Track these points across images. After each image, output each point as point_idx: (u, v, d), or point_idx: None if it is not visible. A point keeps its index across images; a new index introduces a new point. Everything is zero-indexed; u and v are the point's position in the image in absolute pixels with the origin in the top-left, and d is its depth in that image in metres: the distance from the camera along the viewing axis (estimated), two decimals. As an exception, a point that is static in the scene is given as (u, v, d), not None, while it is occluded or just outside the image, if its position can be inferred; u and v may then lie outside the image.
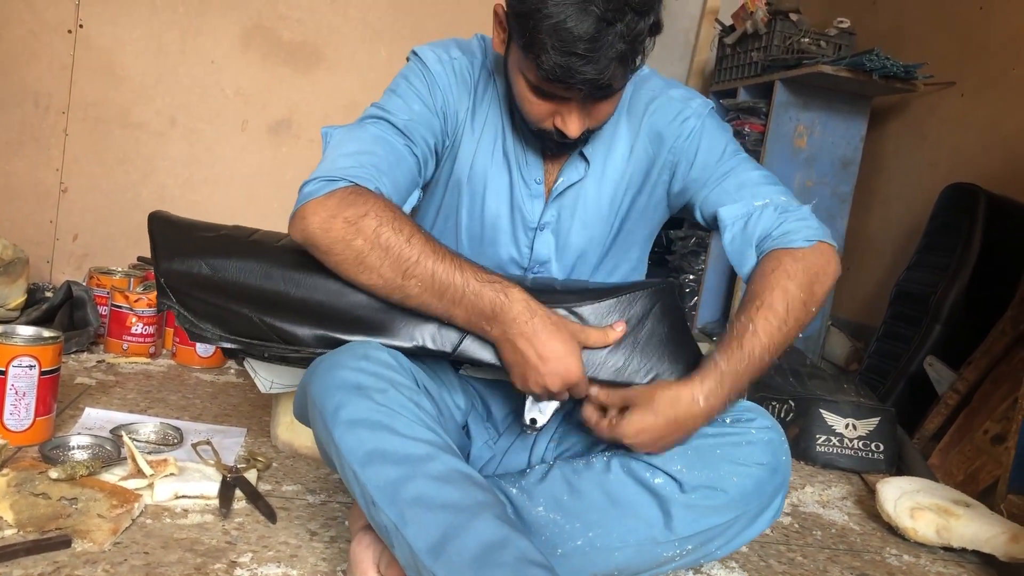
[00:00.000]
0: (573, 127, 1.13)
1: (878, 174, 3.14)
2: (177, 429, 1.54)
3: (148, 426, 1.54)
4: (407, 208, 1.20)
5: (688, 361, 1.15)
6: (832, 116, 3.02)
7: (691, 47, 3.73)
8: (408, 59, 1.29)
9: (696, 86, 3.71)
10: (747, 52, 3.24)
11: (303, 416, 1.19)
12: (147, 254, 2.43)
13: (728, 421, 1.14)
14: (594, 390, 1.12)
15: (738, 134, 3.12)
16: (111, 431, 1.48)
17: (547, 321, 1.07)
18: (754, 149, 3.04)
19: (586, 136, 1.18)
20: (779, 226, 1.20)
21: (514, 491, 1.14)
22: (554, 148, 1.22)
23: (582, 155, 1.26)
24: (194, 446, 1.46)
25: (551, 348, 1.06)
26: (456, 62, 1.27)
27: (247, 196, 2.55)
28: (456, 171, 1.29)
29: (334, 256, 1.08)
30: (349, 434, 1.00)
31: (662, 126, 1.27)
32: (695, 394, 1.07)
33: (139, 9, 2.45)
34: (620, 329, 1.13)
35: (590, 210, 1.29)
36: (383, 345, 1.10)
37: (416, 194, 1.22)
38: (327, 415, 1.02)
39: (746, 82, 3.21)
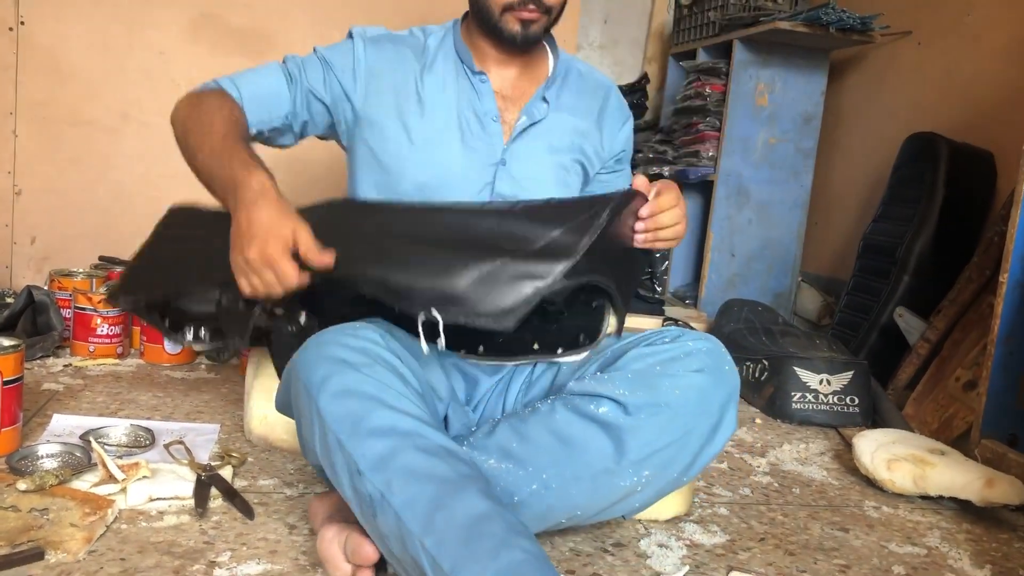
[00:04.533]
0: None
1: (840, 128, 3.15)
2: (148, 430, 1.52)
3: (118, 429, 1.51)
4: (267, 127, 1.37)
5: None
6: (792, 72, 3.02)
7: (648, 10, 3.70)
8: None
9: (655, 49, 3.70)
10: (704, 12, 3.23)
11: (285, 407, 1.21)
12: (108, 253, 2.39)
13: (666, 340, 1.17)
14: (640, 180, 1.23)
15: (699, 95, 3.11)
16: (80, 437, 1.45)
17: (271, 199, 1.10)
18: (716, 110, 3.03)
19: (545, 13, 1.31)
20: None
21: (463, 449, 1.14)
22: (515, 36, 1.32)
23: (543, 99, 1.39)
24: (166, 446, 1.44)
25: (258, 218, 1.08)
26: (383, 36, 1.41)
27: (205, 189, 2.50)
28: (387, 126, 1.36)
29: (177, 126, 1.31)
30: (336, 403, 1.01)
31: (611, 121, 1.46)
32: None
33: (81, 4, 2.39)
34: (329, 259, 1.11)
35: (552, 151, 1.39)
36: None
37: (280, 120, 1.37)
38: (312, 386, 1.03)
39: (705, 43, 3.20)
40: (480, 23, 1.35)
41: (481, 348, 1.22)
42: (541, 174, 1.37)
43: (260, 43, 2.51)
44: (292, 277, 1.08)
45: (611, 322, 1.23)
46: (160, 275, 1.33)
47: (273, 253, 1.07)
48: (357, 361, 1.04)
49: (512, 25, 1.31)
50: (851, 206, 3.05)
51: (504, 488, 1.09)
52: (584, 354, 1.24)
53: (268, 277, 1.08)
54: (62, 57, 2.40)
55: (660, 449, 1.10)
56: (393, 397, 1.02)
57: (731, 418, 1.16)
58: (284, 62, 1.39)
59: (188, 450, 1.43)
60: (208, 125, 1.24)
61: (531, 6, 1.28)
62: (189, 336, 1.32)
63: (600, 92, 1.47)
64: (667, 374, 1.12)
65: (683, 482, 1.17)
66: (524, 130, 1.37)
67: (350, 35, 1.41)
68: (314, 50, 1.40)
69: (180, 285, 1.29)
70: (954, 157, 2.39)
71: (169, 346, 2.03)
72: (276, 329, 1.29)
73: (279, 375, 1.26)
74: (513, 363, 1.31)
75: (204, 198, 1.30)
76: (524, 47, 1.35)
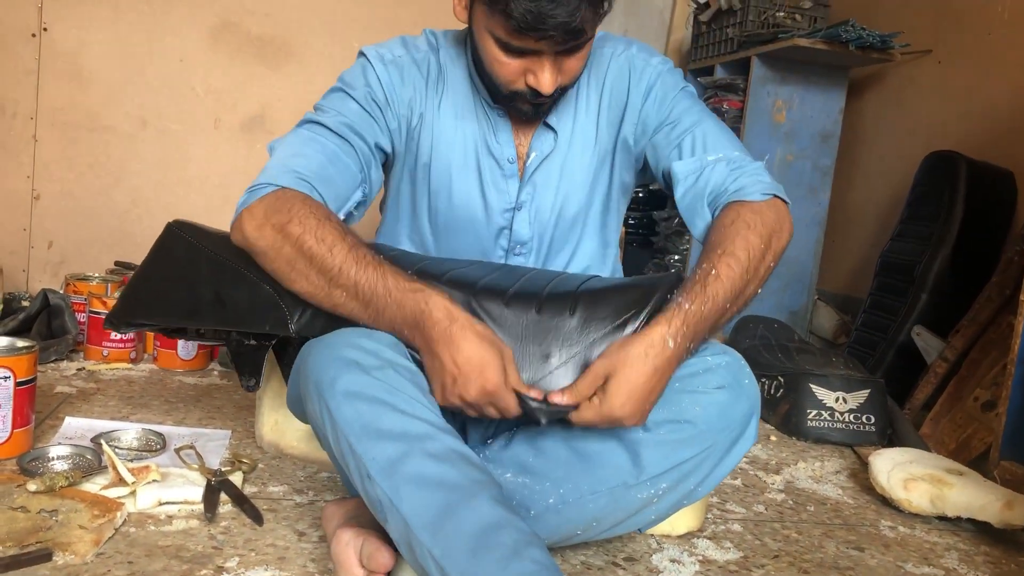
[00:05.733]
0: (546, 82, 1.12)
1: (858, 146, 3.13)
2: (159, 434, 1.51)
3: (130, 433, 1.51)
4: (352, 204, 1.21)
5: None
6: (810, 89, 3.01)
7: (666, 26, 3.70)
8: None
9: (673, 65, 3.69)
10: (722, 28, 3.22)
11: (295, 405, 1.19)
12: (123, 258, 2.40)
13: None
14: (557, 398, 1.03)
15: (717, 111, 3.10)
16: (92, 440, 1.45)
17: (467, 328, 1.01)
18: (733, 126, 3.02)
19: (557, 95, 1.18)
20: (734, 180, 1.19)
21: (477, 457, 1.13)
22: (526, 112, 1.22)
23: (547, 126, 1.28)
24: (177, 451, 1.44)
25: (467, 355, 1.00)
26: (401, 58, 1.29)
27: (222, 195, 2.52)
28: (418, 163, 1.30)
29: (271, 262, 1.10)
30: (346, 405, 0.99)
31: (623, 86, 1.30)
32: (665, 335, 1.02)
33: (103, 11, 2.41)
34: (538, 393, 1.05)
35: (566, 182, 1.31)
36: None
37: (359, 193, 1.22)
38: (323, 387, 1.01)
39: (722, 59, 3.19)
40: (486, 86, 1.26)
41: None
42: (558, 204, 1.32)
43: (279, 51, 2.53)
44: (515, 408, 1.02)
45: None
46: (164, 303, 1.26)
47: (489, 387, 1.00)
48: (368, 363, 1.02)
49: (522, 105, 1.21)
50: (869, 224, 3.03)
51: (520, 502, 1.08)
52: None
53: (491, 412, 1.03)
54: (83, 63, 2.42)
55: (679, 464, 1.09)
56: (404, 401, 1.00)
57: (751, 431, 1.14)
58: (327, 126, 1.21)
59: (199, 455, 1.42)
60: (324, 255, 1.05)
61: (542, 98, 1.17)
62: (189, 336, 1.33)
63: (612, 69, 1.32)
64: (687, 390, 1.09)
65: (700, 494, 1.15)
66: (536, 169, 1.30)
67: (363, 54, 1.31)
68: (343, 92, 1.26)
69: (186, 318, 1.24)
70: (974, 176, 2.37)
71: (183, 351, 2.03)
72: (282, 341, 1.28)
73: (286, 381, 1.25)
74: None
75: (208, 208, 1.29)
76: (535, 118, 1.27)
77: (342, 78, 1.29)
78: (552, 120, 1.29)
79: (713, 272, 1.07)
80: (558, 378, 1.06)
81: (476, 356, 1.00)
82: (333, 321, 1.13)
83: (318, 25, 2.55)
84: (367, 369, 1.01)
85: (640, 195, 3.44)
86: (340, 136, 1.21)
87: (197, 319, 1.22)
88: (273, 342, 1.24)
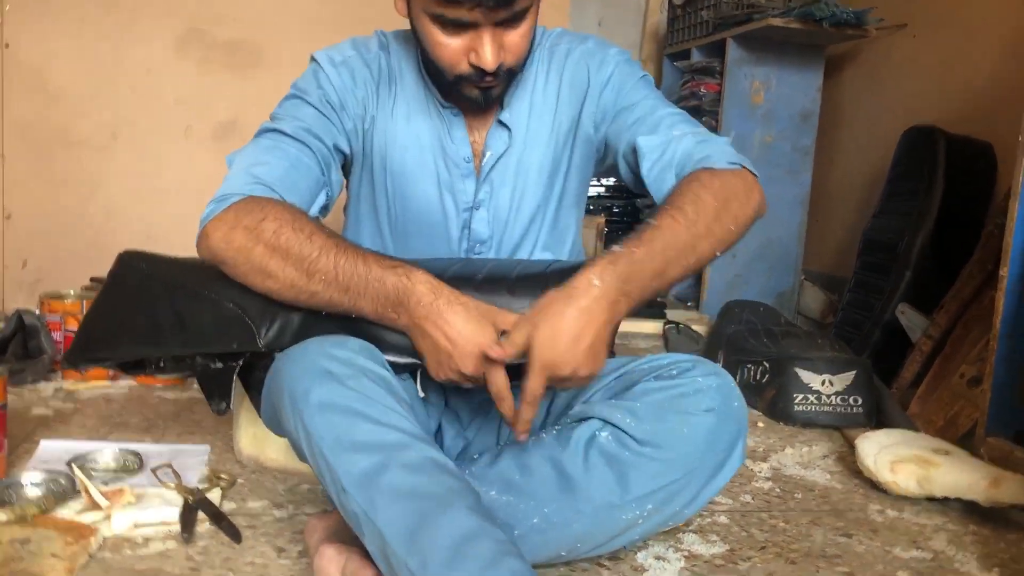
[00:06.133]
0: (487, 56, 1.11)
1: (837, 124, 3.12)
2: (137, 454, 1.49)
3: (106, 454, 1.49)
4: (317, 208, 1.22)
5: None
6: (787, 69, 2.99)
7: (642, 12, 3.68)
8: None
9: (650, 50, 3.67)
10: (697, 12, 3.20)
11: (272, 422, 1.18)
12: (99, 275, 2.38)
13: (674, 374, 1.12)
14: (494, 351, 1.01)
15: (694, 95, 3.08)
16: (67, 463, 1.43)
17: (453, 301, 1.03)
18: (711, 109, 3.01)
19: (504, 77, 1.17)
20: (700, 150, 1.19)
21: (452, 465, 1.11)
22: (476, 100, 1.20)
23: (501, 123, 1.27)
24: (153, 471, 1.41)
25: (458, 329, 1.02)
26: (351, 60, 1.28)
27: (197, 204, 2.43)
28: (374, 165, 1.29)
29: (239, 267, 1.10)
30: (319, 417, 0.98)
31: (581, 78, 1.30)
32: (589, 277, 1.00)
33: (66, 24, 2.38)
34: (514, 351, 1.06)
35: (522, 179, 1.30)
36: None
37: (322, 196, 1.22)
38: (297, 399, 1.00)
39: (698, 42, 3.17)
40: (434, 80, 1.26)
41: None
42: (516, 201, 1.31)
43: (249, 56, 2.50)
44: (505, 384, 1.04)
45: None
46: (123, 334, 1.23)
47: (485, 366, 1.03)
48: (341, 372, 1.00)
49: (470, 91, 1.19)
50: (851, 202, 3.02)
51: (504, 521, 1.06)
52: None
53: (484, 383, 1.05)
54: (49, 78, 2.39)
55: (665, 485, 1.07)
56: (379, 411, 0.99)
57: (738, 454, 1.12)
58: (286, 133, 1.20)
59: (176, 473, 1.40)
60: (303, 244, 1.06)
61: (488, 78, 1.15)
62: (152, 370, 1.30)
63: (570, 63, 1.32)
64: (676, 410, 1.08)
65: (685, 515, 1.14)
66: (492, 168, 1.30)
67: (313, 59, 1.30)
68: (298, 99, 1.26)
69: (148, 346, 1.22)
70: (953, 150, 2.35)
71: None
72: (247, 364, 1.25)
73: (255, 404, 1.23)
74: None
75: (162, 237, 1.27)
76: (487, 107, 1.26)
77: (295, 85, 1.29)
78: (505, 117, 1.28)
79: (653, 222, 1.07)
80: None
81: (468, 329, 1.01)
82: (303, 331, 1.12)
83: (287, 28, 2.52)
84: (340, 379, 1.00)
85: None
86: (299, 141, 1.20)
87: (159, 346, 1.20)
88: (240, 361, 1.22)
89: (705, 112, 3.02)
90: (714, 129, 3.00)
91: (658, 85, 3.52)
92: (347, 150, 1.30)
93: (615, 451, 1.07)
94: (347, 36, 1.35)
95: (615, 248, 1.05)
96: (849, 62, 3.10)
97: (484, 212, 1.30)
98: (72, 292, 2.18)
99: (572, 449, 1.08)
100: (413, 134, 1.28)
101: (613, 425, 1.08)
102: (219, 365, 1.21)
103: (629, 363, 1.20)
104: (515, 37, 1.14)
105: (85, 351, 1.26)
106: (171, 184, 2.50)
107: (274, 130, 1.21)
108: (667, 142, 1.22)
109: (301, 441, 1.01)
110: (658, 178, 1.22)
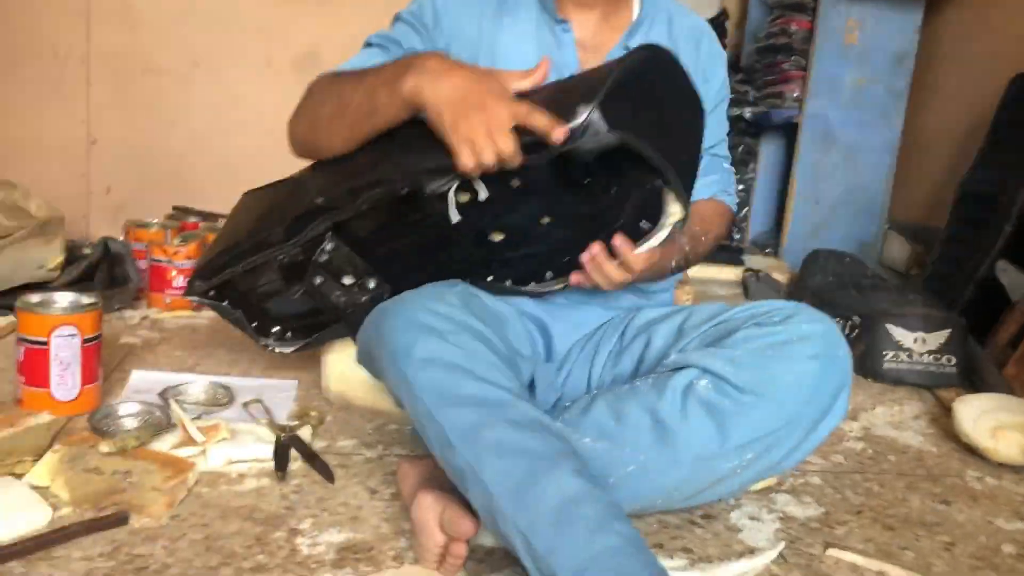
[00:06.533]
0: None
1: (935, 68, 2.97)
2: (226, 387, 1.50)
3: (197, 386, 1.50)
4: None
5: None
6: (884, 7, 2.85)
7: (728, -58, 3.52)
8: None
9: (736, -17, 3.52)
10: (790, -58, 3.05)
11: (367, 360, 1.17)
12: (181, 203, 2.39)
13: (776, 320, 1.08)
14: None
15: (783, 32, 2.96)
16: (159, 395, 1.45)
17: (463, 66, 1.06)
18: (801, 48, 2.89)
19: None
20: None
21: (559, 426, 1.09)
22: None
23: (626, 48, 1.25)
24: (245, 406, 1.43)
25: (479, 73, 1.04)
26: None
27: (275, 138, 2.44)
28: None
29: (306, 135, 1.24)
30: (423, 372, 0.97)
31: (704, 67, 1.33)
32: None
33: (147, -50, 2.35)
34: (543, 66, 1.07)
35: None
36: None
37: None
38: (399, 353, 0.99)
39: (791, -25, 3.02)
40: None
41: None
42: None
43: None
44: (513, 152, 1.00)
45: (674, 208, 1.11)
46: (246, 227, 1.29)
47: (504, 116, 0.99)
48: (443, 328, 1.00)
49: None
50: (946, 151, 2.88)
51: (599, 468, 1.04)
52: (651, 242, 1.13)
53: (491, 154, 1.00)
54: (131, 3, 2.37)
55: (766, 434, 1.04)
56: (481, 367, 0.98)
57: (841, 405, 1.08)
58: (373, 44, 1.29)
59: (267, 409, 1.42)
60: (349, 82, 1.15)
61: None
62: (273, 339, 1.34)
63: (692, 37, 1.34)
64: (780, 357, 1.04)
65: (786, 466, 1.11)
66: None
67: None
68: (397, 18, 1.31)
69: (281, 221, 1.23)
70: (1065, 99, 2.22)
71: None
72: (349, 298, 1.25)
73: (354, 340, 1.23)
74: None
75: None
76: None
77: (402, 13, 1.31)
78: (631, 41, 1.26)
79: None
80: None
81: (483, 86, 1.02)
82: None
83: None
84: (443, 334, 0.99)
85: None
86: (383, 48, 1.27)
87: (299, 200, 1.23)
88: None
89: (795, 51, 2.90)
90: (804, 68, 2.87)
91: (743, 21, 3.43)
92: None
93: (715, 399, 1.04)
94: None
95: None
96: (953, 2, 2.93)
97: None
98: (155, 221, 2.20)
99: (669, 398, 1.05)
100: (519, 49, 1.26)
101: (712, 373, 1.05)
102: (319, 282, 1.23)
103: (725, 311, 1.17)
104: None
105: (206, 272, 1.31)
106: (250, 116, 2.48)
107: (370, 44, 1.29)
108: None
109: (404, 395, 1.00)
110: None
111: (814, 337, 1.06)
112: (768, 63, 3.03)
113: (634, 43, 1.25)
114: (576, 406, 1.12)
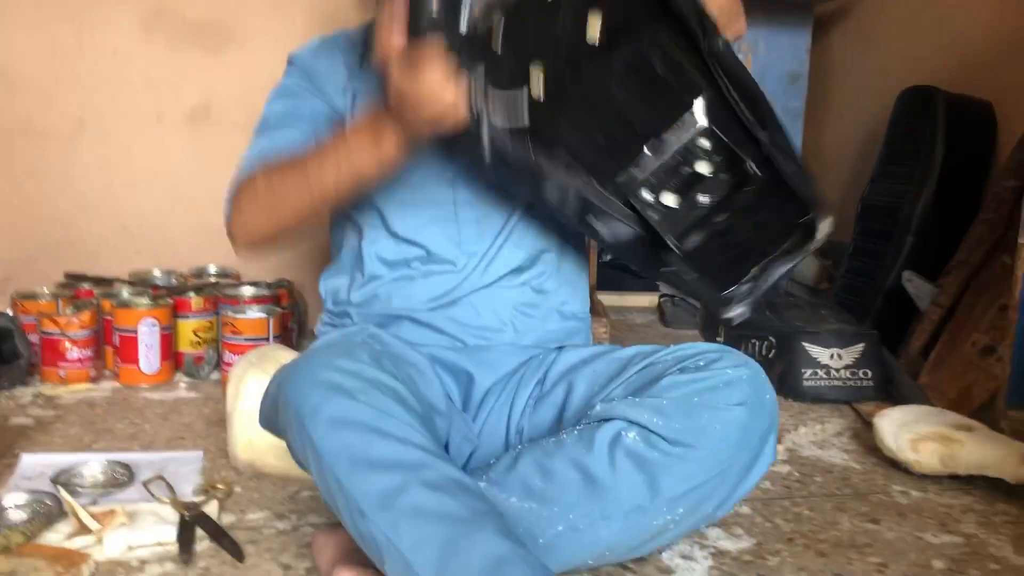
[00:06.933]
0: None
1: (828, 86, 3.04)
2: (126, 465, 1.41)
3: (92, 467, 1.40)
4: None
5: None
6: (774, 31, 2.91)
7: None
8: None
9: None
10: (680, -26, 3.10)
11: (270, 423, 1.11)
12: (74, 269, 2.28)
13: (701, 365, 1.06)
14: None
15: (681, 61, 2.99)
16: (51, 479, 1.34)
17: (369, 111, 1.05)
18: (699, 75, 2.93)
19: None
20: None
21: (483, 484, 1.04)
22: None
23: None
24: (145, 484, 1.34)
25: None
26: (325, 44, 1.29)
27: (173, 194, 2.38)
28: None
29: (261, 232, 1.17)
30: (332, 436, 0.91)
31: None
32: None
33: (23, 7, 2.24)
34: None
35: None
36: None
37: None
38: (304, 416, 0.93)
39: (683, 5, 3.08)
40: None
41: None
42: None
43: (219, 35, 2.38)
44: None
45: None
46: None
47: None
48: (352, 386, 0.94)
49: None
50: (845, 167, 2.95)
51: (527, 530, 0.99)
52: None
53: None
54: (8, 65, 2.26)
55: (697, 486, 1.01)
56: (394, 426, 0.92)
57: (770, 450, 1.06)
58: (264, 126, 1.25)
59: (169, 486, 1.33)
60: (290, 178, 1.12)
61: None
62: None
63: None
64: (707, 405, 1.01)
65: (717, 516, 1.08)
66: None
67: (290, 61, 1.31)
68: (272, 93, 1.29)
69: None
70: (952, 109, 2.29)
71: (146, 364, 1.91)
72: None
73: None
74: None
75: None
76: None
77: (277, 87, 1.29)
78: None
79: None
80: None
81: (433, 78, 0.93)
82: None
83: (258, 3, 2.40)
84: (352, 393, 0.93)
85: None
86: (287, 126, 1.22)
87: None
88: None
89: (693, 78, 2.94)
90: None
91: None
92: (339, 110, 1.27)
93: (643, 452, 1.00)
94: (320, 7, 1.37)
95: None
96: (839, 21, 3.02)
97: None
98: (46, 291, 2.09)
99: (597, 451, 1.01)
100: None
101: (640, 425, 1.01)
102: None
103: (651, 353, 1.14)
104: None
105: None
106: (144, 174, 2.39)
107: (264, 128, 1.24)
108: None
109: (309, 460, 0.94)
110: None
111: (739, 383, 1.03)
112: (668, 91, 3.08)
113: None
114: (500, 463, 1.07)
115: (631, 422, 1.02)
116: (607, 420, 1.04)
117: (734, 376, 1.04)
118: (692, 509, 1.03)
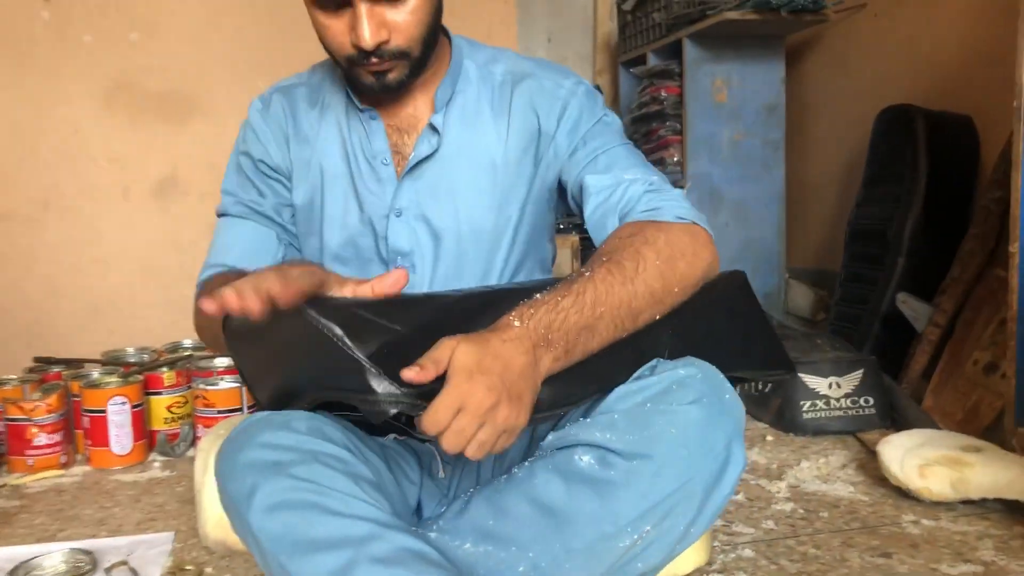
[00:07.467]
0: (363, 32, 1.04)
1: (806, 114, 3.02)
2: (88, 553, 1.33)
3: (54, 558, 1.32)
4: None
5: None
6: (748, 64, 2.88)
7: (591, 22, 3.57)
8: None
9: (604, 60, 3.57)
10: (648, 15, 3.09)
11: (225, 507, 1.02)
12: (44, 353, 2.21)
13: (654, 367, 0.96)
14: (409, 374, 0.85)
15: (655, 100, 2.97)
16: (9, 574, 1.26)
17: None
18: (674, 112, 2.89)
19: (393, 56, 1.08)
20: (648, 201, 1.08)
21: (433, 535, 0.95)
22: (372, 86, 1.11)
23: (432, 128, 1.16)
24: (107, 571, 1.26)
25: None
26: (273, 103, 1.24)
27: (142, 268, 2.33)
28: (304, 195, 1.22)
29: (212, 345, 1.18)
30: (270, 520, 0.82)
31: (536, 106, 1.19)
32: (508, 317, 0.88)
33: (-21, 89, 2.23)
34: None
35: (462, 192, 1.16)
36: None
37: (283, 250, 1.22)
38: (239, 501, 0.85)
39: (653, 46, 3.06)
40: (345, 77, 1.18)
41: None
42: (454, 229, 1.18)
43: (181, 106, 2.35)
44: None
45: None
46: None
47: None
48: (287, 460, 0.85)
49: (365, 78, 1.10)
50: (830, 194, 2.91)
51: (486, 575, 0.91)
52: None
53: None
54: (-31, 149, 2.23)
55: (660, 501, 0.91)
56: (337, 500, 0.84)
57: (738, 454, 0.95)
58: (226, 212, 1.23)
59: (133, 571, 1.25)
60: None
61: (374, 59, 1.07)
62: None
63: (519, 93, 1.21)
64: (659, 411, 0.91)
65: (694, 535, 0.97)
66: (413, 169, 1.16)
67: (248, 124, 1.26)
68: (233, 155, 1.25)
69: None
70: (932, 126, 2.25)
71: (117, 446, 1.83)
72: None
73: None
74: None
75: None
76: (389, 94, 1.15)
77: (236, 147, 1.25)
78: (436, 120, 1.16)
79: (587, 274, 0.95)
80: None
81: None
82: None
83: (219, 72, 2.37)
84: (287, 469, 0.84)
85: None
86: (246, 219, 1.21)
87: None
88: None
89: (668, 116, 2.90)
90: (680, 132, 2.88)
91: (615, 94, 3.45)
92: (293, 200, 1.23)
93: (599, 473, 0.91)
94: (280, 74, 1.29)
95: (538, 295, 0.92)
96: (811, 50, 3.00)
97: (409, 221, 1.17)
98: (14, 377, 2.02)
99: (551, 481, 0.93)
100: (338, 147, 1.19)
101: (592, 445, 0.92)
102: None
103: None
104: (399, 15, 1.06)
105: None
106: (112, 252, 2.34)
107: (223, 214, 1.23)
108: (616, 184, 1.11)
109: (251, 547, 0.86)
110: (599, 222, 1.10)
111: (691, 381, 0.93)
112: (645, 132, 3.04)
113: (442, 119, 1.16)
114: (450, 509, 0.99)
115: (583, 444, 0.93)
116: (561, 448, 0.96)
117: (686, 375, 0.94)
118: (659, 525, 0.92)
